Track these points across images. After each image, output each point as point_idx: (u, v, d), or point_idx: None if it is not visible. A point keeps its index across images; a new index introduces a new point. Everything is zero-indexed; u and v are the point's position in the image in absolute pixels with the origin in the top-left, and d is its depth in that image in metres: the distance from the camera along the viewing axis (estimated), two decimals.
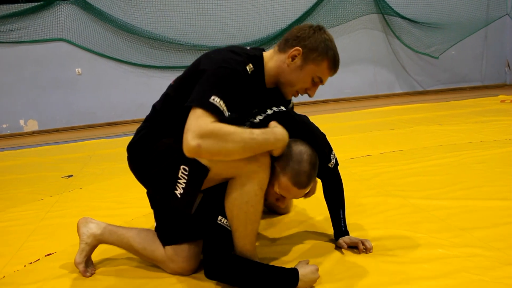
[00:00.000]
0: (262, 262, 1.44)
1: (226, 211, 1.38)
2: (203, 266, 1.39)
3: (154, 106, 1.54)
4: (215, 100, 1.24)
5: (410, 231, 1.76)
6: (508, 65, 8.20)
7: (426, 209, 2.01)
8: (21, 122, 6.51)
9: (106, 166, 3.53)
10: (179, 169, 1.35)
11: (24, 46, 6.34)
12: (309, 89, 1.49)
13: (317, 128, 1.64)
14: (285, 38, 1.49)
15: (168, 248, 1.53)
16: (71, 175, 3.28)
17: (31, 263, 1.74)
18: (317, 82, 1.47)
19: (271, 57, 1.49)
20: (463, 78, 8.12)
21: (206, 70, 1.32)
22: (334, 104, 7.21)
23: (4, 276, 1.63)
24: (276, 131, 1.32)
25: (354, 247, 1.63)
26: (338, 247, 1.66)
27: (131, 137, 1.57)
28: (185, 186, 1.36)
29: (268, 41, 6.91)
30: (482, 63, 8.17)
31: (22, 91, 6.43)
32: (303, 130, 1.55)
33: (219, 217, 1.39)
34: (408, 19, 7.38)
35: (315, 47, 1.42)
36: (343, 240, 1.63)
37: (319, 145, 1.56)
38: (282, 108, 1.59)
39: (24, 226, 2.19)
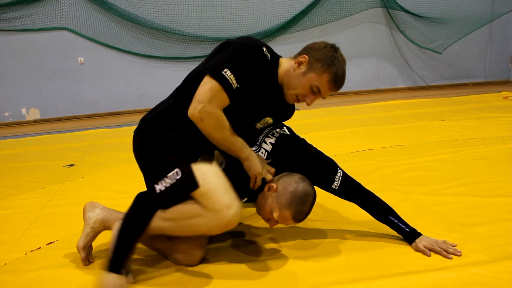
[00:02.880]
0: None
1: (173, 208, 1.40)
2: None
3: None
4: (227, 73, 1.42)
5: None
6: None
7: (427, 204, 2.01)
8: (23, 110, 6.50)
9: (108, 156, 3.53)
10: (174, 169, 1.40)
11: (27, 35, 6.30)
12: (307, 97, 1.57)
13: (316, 150, 1.73)
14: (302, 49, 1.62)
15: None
16: (73, 164, 3.28)
17: (32, 251, 1.75)
18: (315, 92, 1.55)
19: (285, 61, 1.62)
20: (467, 73, 8.08)
21: (231, 43, 1.51)
22: (336, 97, 7.19)
23: (5, 264, 1.64)
24: (252, 158, 1.51)
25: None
26: (336, 242, 1.66)
27: (133, 127, 1.57)
28: (169, 186, 1.40)
29: (271, 33, 6.88)
30: (486, 59, 8.13)
31: (24, 80, 6.42)
32: (303, 154, 1.68)
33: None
34: (413, 14, 7.32)
35: (320, 59, 1.52)
36: (423, 246, 1.56)
37: (319, 168, 1.65)
38: (285, 130, 1.72)
39: (25, 214, 2.20)
